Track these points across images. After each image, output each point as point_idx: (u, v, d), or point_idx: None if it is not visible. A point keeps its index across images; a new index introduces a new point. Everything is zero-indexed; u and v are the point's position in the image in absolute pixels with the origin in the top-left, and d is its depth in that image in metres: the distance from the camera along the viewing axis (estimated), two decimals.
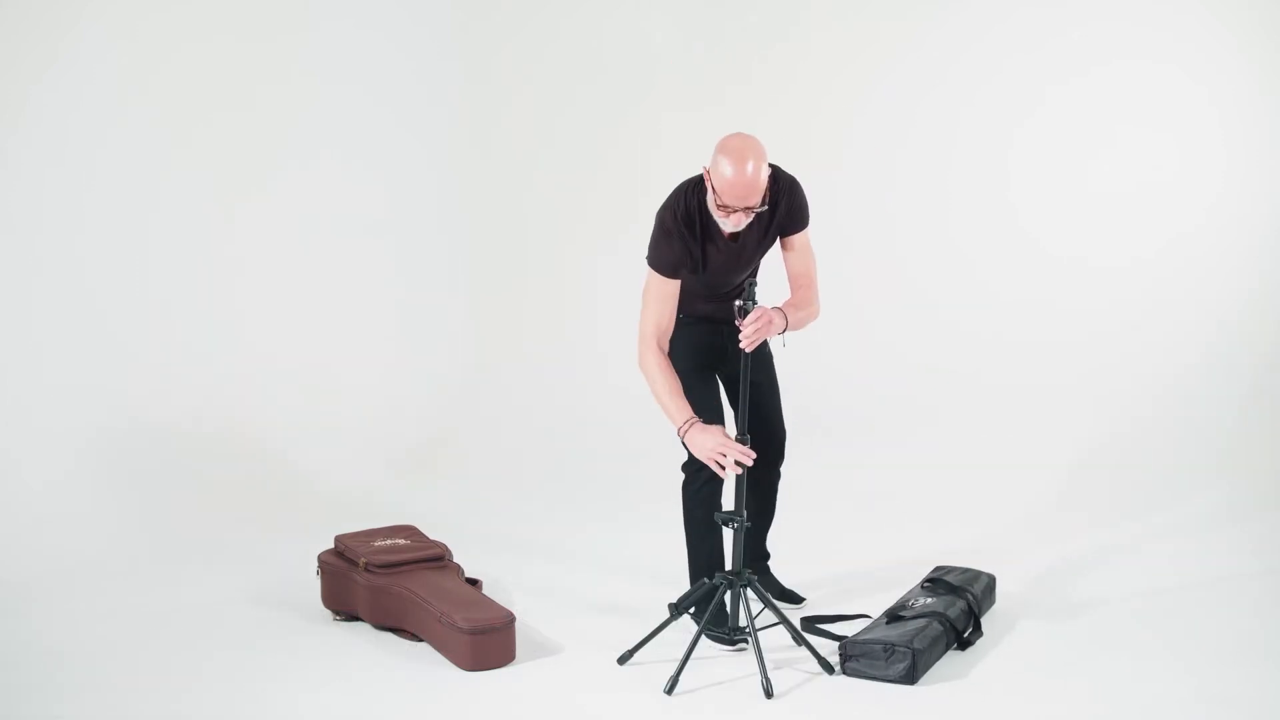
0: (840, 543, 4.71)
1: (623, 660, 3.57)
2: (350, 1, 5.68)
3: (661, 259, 3.54)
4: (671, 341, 3.66)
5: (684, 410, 3.48)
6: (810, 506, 5.06)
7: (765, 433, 3.81)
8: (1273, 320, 5.31)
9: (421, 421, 5.76)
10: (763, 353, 3.83)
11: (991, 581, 4.00)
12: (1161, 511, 4.97)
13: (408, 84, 5.83)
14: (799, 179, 3.65)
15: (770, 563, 4.07)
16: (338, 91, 5.61)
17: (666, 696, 3.37)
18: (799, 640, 3.55)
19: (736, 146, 3.38)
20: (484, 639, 3.56)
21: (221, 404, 5.25)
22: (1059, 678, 3.49)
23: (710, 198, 3.47)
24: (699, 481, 3.70)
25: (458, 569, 4.04)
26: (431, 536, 4.23)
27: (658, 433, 4.05)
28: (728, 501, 3.65)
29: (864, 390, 5.66)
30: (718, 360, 3.76)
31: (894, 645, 3.37)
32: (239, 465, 5.15)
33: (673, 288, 3.55)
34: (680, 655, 3.44)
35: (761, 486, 3.88)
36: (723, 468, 3.44)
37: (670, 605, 3.63)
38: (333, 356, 5.63)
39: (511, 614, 3.65)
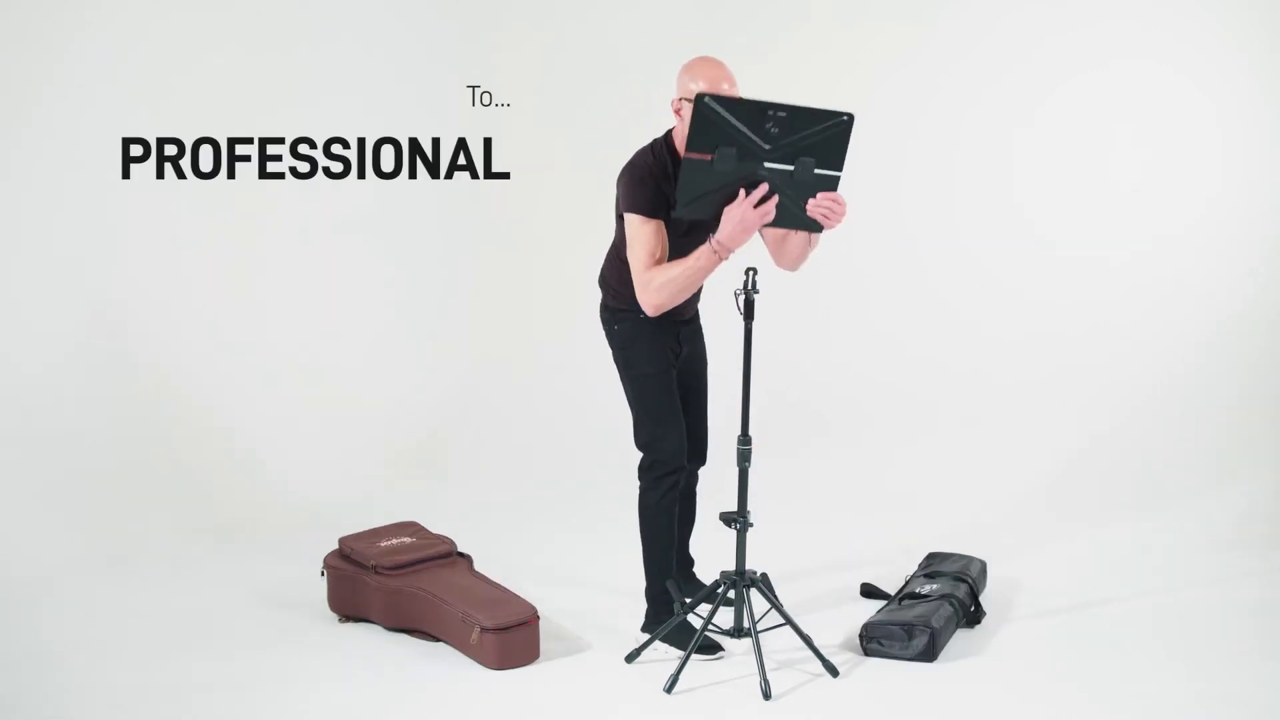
0: (843, 533, 4.73)
1: (630, 658, 3.59)
2: (352, 4, 5.69)
3: (638, 198, 3.51)
4: (637, 343, 3.68)
5: (702, 250, 3.40)
6: (811, 499, 5.11)
7: (697, 435, 3.87)
8: (1273, 317, 5.32)
9: (426, 421, 5.76)
10: (699, 355, 3.87)
11: (984, 566, 4.21)
12: (1161, 510, 4.97)
13: (409, 80, 5.82)
14: None
15: (768, 554, 4.05)
16: (338, 90, 5.60)
17: (666, 694, 3.38)
18: (806, 642, 3.54)
19: (708, 57, 3.51)
20: (509, 636, 3.57)
21: (222, 403, 5.25)
22: (1058, 678, 3.50)
23: (681, 129, 3.51)
24: (663, 489, 3.69)
25: (468, 562, 4.03)
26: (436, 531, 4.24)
27: None
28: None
29: (867, 383, 5.67)
30: (674, 360, 3.77)
31: (913, 625, 3.58)
32: (239, 463, 5.15)
33: (657, 226, 3.49)
34: (681, 654, 3.47)
35: (684, 488, 3.87)
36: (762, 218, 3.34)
37: (678, 605, 3.63)
38: (333, 355, 5.62)
39: (535, 610, 3.66)
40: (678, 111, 3.53)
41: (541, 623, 3.88)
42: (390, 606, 3.83)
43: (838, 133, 3.32)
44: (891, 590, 4.09)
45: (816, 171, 3.34)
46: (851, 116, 3.33)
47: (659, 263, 3.48)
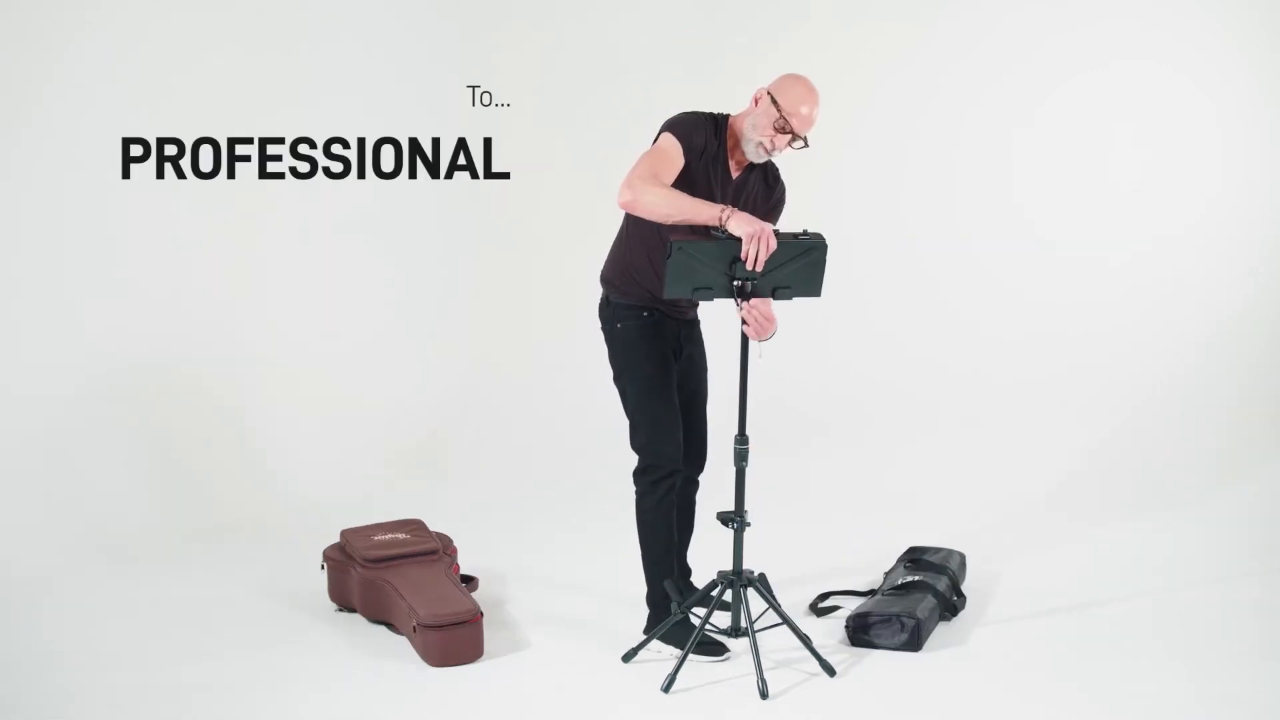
0: (843, 533, 4.73)
1: (627, 658, 3.58)
2: (352, 4, 5.69)
3: (683, 125, 3.47)
4: (639, 343, 3.63)
5: (713, 204, 3.31)
6: (811, 499, 5.11)
7: (696, 442, 3.82)
8: (1273, 317, 5.33)
9: (426, 421, 5.75)
10: (699, 359, 3.84)
11: (963, 559, 4.27)
12: (1161, 510, 4.97)
13: (409, 80, 5.82)
14: (806, 177, 3.70)
15: (766, 554, 4.04)
16: (338, 90, 5.60)
17: (664, 694, 3.37)
18: (804, 641, 3.53)
19: (807, 78, 3.46)
20: (445, 634, 3.54)
21: (222, 403, 5.25)
22: (1058, 678, 3.49)
23: (756, 120, 3.47)
24: (660, 492, 3.65)
25: (448, 563, 4.04)
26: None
27: None
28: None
29: (867, 383, 5.69)
30: (675, 361, 3.72)
31: (899, 616, 3.66)
32: (239, 463, 5.15)
33: (677, 154, 3.43)
34: (679, 654, 3.47)
35: (683, 498, 3.81)
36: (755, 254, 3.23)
37: (677, 605, 3.63)
38: (333, 355, 5.62)
39: (477, 609, 3.63)
40: (757, 100, 3.49)
41: (540, 622, 3.89)
42: (366, 598, 3.89)
43: (813, 259, 3.31)
44: (849, 596, 4.08)
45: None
46: (826, 244, 3.31)
47: (656, 179, 3.37)
